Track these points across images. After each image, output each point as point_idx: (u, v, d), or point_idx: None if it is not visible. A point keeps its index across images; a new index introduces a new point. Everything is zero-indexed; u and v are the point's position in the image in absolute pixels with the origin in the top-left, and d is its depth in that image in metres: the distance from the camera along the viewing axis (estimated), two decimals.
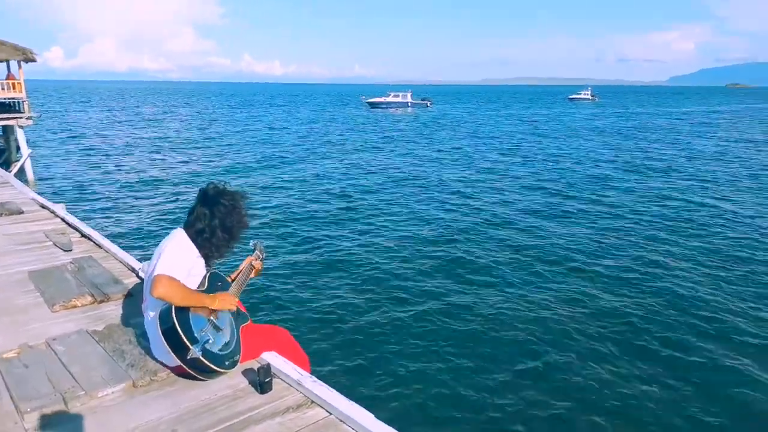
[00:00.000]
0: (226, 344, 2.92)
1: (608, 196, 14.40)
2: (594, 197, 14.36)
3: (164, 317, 2.82)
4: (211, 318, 2.93)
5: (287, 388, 2.91)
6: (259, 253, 3.38)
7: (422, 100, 71.65)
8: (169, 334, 2.76)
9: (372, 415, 2.57)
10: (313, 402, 2.77)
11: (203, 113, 48.92)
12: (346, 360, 5.46)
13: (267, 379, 2.83)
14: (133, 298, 4.09)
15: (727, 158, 22.15)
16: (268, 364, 2.89)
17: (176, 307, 2.79)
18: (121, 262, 4.83)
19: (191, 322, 2.82)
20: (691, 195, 14.60)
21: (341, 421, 2.61)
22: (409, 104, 67.52)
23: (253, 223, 10.77)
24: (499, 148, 26.34)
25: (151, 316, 3.01)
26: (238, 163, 19.37)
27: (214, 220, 3.02)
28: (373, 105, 66.87)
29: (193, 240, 3.05)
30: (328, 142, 27.77)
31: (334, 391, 2.79)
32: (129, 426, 2.56)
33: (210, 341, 2.82)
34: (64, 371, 3.00)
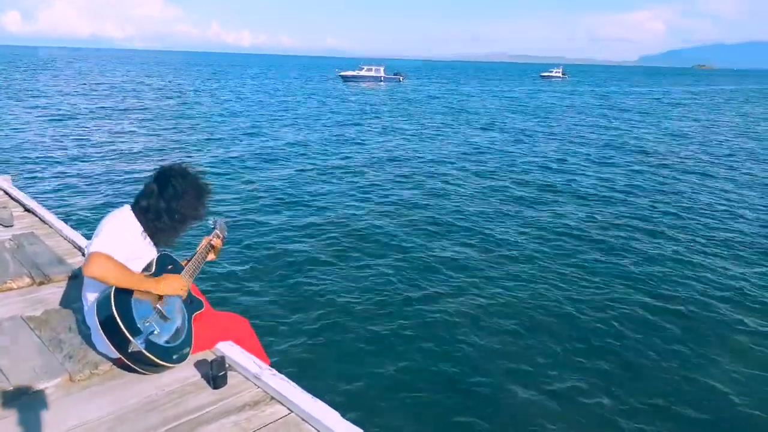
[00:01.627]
0: (175, 335, 2.62)
1: (594, 174, 14.46)
2: (581, 174, 14.35)
3: (102, 305, 2.51)
4: (158, 306, 2.62)
5: (244, 382, 2.64)
6: (219, 232, 3.05)
7: (395, 74, 70.88)
8: (108, 325, 2.45)
9: (337, 414, 2.33)
10: (272, 398, 2.51)
11: (170, 84, 46.88)
12: (309, 353, 5.08)
13: (221, 373, 2.56)
14: (78, 281, 3.72)
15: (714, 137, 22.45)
16: (223, 356, 2.62)
17: (117, 294, 2.48)
18: (66, 239, 4.44)
19: (134, 310, 2.51)
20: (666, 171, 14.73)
21: (303, 420, 2.36)
22: (382, 78, 66.72)
23: (222, 197, 10.49)
24: (474, 123, 26.05)
25: (89, 301, 2.70)
26: (207, 138, 18.50)
27: (161, 201, 2.70)
28: (345, 78, 65.87)
29: (139, 218, 2.73)
30: (301, 115, 26.98)
31: (296, 386, 2.53)
32: (63, 427, 2.27)
33: (155, 332, 2.52)
34: None
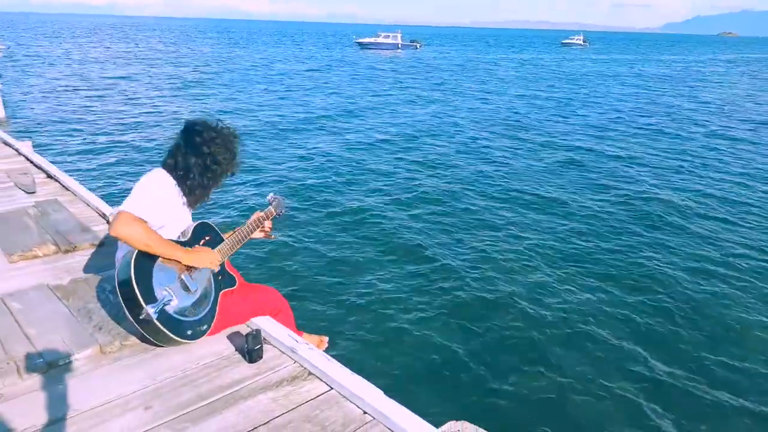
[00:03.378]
0: (194, 309, 2.47)
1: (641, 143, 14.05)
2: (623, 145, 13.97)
3: (122, 267, 2.38)
4: (183, 276, 2.47)
5: (279, 356, 2.52)
6: (273, 209, 2.87)
7: (411, 41, 69.79)
8: (123, 287, 2.32)
9: (381, 392, 2.21)
10: (310, 374, 2.39)
11: (189, 52, 46.34)
12: (344, 329, 4.92)
13: (257, 347, 2.44)
14: (104, 248, 3.64)
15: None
16: (258, 330, 2.49)
17: (138, 256, 2.34)
18: (91, 207, 4.33)
19: (153, 275, 2.37)
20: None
21: (344, 397, 2.24)
22: (400, 45, 65.73)
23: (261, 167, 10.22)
24: (508, 92, 25.42)
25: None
26: (233, 104, 18.23)
27: (188, 155, 2.54)
28: (363, 45, 65.04)
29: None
30: (324, 84, 26.36)
31: (335, 361, 2.41)
32: (94, 400, 2.17)
33: (172, 302, 2.37)
34: (19, 333, 2.58)
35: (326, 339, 3.17)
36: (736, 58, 68.67)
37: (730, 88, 31.05)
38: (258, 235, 2.89)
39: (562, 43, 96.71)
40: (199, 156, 2.56)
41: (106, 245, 3.68)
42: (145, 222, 2.37)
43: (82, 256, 3.53)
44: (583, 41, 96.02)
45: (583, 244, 7.34)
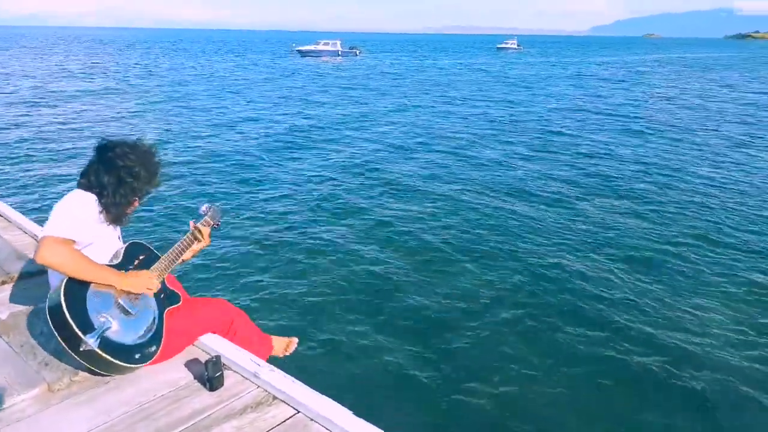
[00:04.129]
0: (138, 332, 2.37)
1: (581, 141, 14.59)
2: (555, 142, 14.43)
3: (52, 297, 2.27)
4: (121, 300, 2.37)
5: (242, 381, 2.45)
6: (209, 219, 2.76)
7: (351, 48, 70.10)
8: (56, 319, 2.21)
9: (349, 412, 2.18)
10: (275, 398, 2.33)
11: (122, 63, 44.42)
12: (307, 346, 4.74)
13: (217, 374, 2.36)
14: (44, 277, 3.42)
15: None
16: (218, 356, 2.41)
17: (69, 284, 2.23)
18: (26, 233, 4.10)
19: (88, 303, 2.27)
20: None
21: (312, 420, 2.19)
22: (340, 53, 65.79)
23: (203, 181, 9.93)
24: (442, 97, 25.84)
25: None
26: (169, 125, 17.39)
27: (100, 172, 2.47)
28: (303, 53, 64.65)
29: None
30: (265, 94, 25.92)
31: (300, 383, 2.36)
32: None
33: (112, 329, 2.27)
34: None
35: (296, 340, 3.10)
36: (662, 58, 72.65)
37: (666, 84, 33.28)
38: (197, 247, 2.76)
39: (498, 47, 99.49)
40: (112, 171, 2.48)
41: (45, 273, 3.48)
42: (72, 242, 2.27)
43: (22, 287, 3.33)
44: (517, 45, 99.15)
45: (535, 245, 7.54)
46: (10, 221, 4.34)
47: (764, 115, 20.73)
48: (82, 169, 2.56)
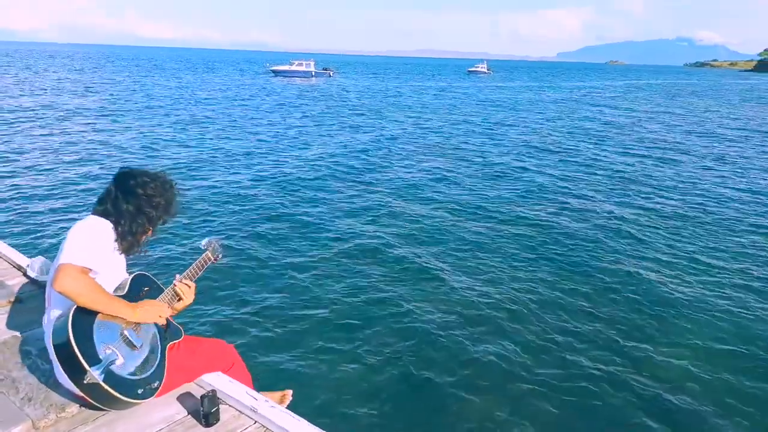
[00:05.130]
0: (142, 366, 2.31)
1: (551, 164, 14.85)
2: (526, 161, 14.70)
3: (58, 327, 2.19)
4: (126, 332, 2.30)
5: (238, 417, 2.38)
6: (210, 254, 2.71)
7: (324, 69, 70.50)
8: (62, 350, 2.14)
9: None
10: None
11: (102, 81, 42.67)
12: (305, 381, 4.59)
13: (213, 409, 2.29)
14: (24, 305, 3.32)
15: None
16: (213, 391, 2.34)
17: (76, 314, 2.17)
18: (4, 258, 3.94)
19: (95, 334, 2.20)
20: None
21: None
22: (313, 73, 66.05)
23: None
24: (420, 117, 26.13)
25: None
26: (152, 139, 16.81)
27: (119, 200, 2.45)
28: (277, 73, 64.71)
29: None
30: (241, 117, 25.12)
31: (299, 418, 2.31)
32: None
33: (117, 362, 2.20)
34: None
35: (290, 393, 2.99)
36: (628, 84, 75.23)
37: (633, 108, 34.86)
38: (179, 306, 2.63)
39: (468, 71, 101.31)
40: (132, 200, 2.46)
41: (24, 301, 3.36)
42: (89, 271, 2.24)
43: (0, 316, 3.18)
44: (487, 69, 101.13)
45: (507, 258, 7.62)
46: None
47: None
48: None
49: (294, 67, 65.31)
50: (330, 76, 68.42)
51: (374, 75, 79.60)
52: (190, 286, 2.60)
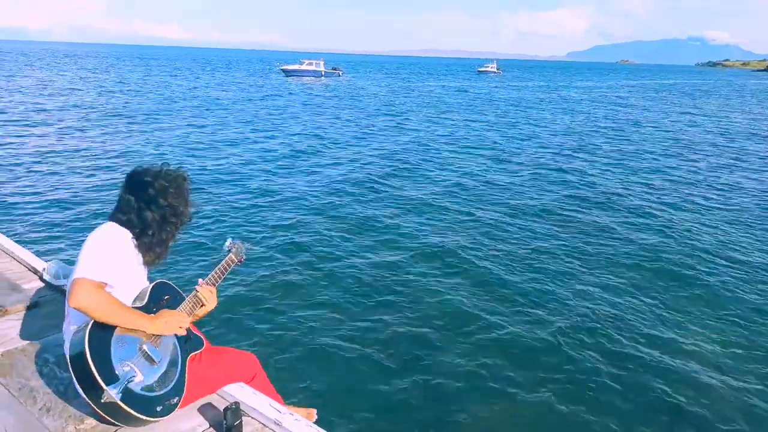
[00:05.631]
0: (161, 382, 2.22)
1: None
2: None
3: (75, 343, 2.12)
4: (145, 346, 2.22)
5: (261, 430, 2.30)
6: (234, 257, 2.61)
7: (333, 69, 70.42)
8: (78, 368, 2.06)
9: None
10: None
11: (116, 80, 42.43)
12: (334, 397, 4.42)
13: (236, 422, 2.22)
14: (40, 310, 3.26)
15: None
16: (237, 403, 2.27)
17: (93, 329, 2.09)
18: (19, 261, 3.90)
19: (112, 350, 2.12)
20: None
21: None
22: (323, 73, 66.02)
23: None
24: (437, 117, 26.02)
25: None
26: (167, 139, 16.65)
27: (141, 208, 2.33)
28: (287, 72, 64.71)
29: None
30: (254, 116, 24.95)
31: (324, 431, 2.23)
32: None
33: (135, 379, 2.12)
34: None
35: (314, 412, 2.89)
36: (636, 84, 74.66)
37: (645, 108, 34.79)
38: (200, 312, 2.52)
39: (478, 70, 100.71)
40: (156, 209, 2.35)
41: (42, 305, 3.31)
42: (105, 285, 2.15)
43: (15, 321, 3.13)
44: (497, 69, 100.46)
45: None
46: (2, 249, 4.13)
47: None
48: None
49: (304, 67, 65.33)
50: (339, 75, 68.40)
51: (385, 74, 79.28)
52: (212, 291, 2.52)
